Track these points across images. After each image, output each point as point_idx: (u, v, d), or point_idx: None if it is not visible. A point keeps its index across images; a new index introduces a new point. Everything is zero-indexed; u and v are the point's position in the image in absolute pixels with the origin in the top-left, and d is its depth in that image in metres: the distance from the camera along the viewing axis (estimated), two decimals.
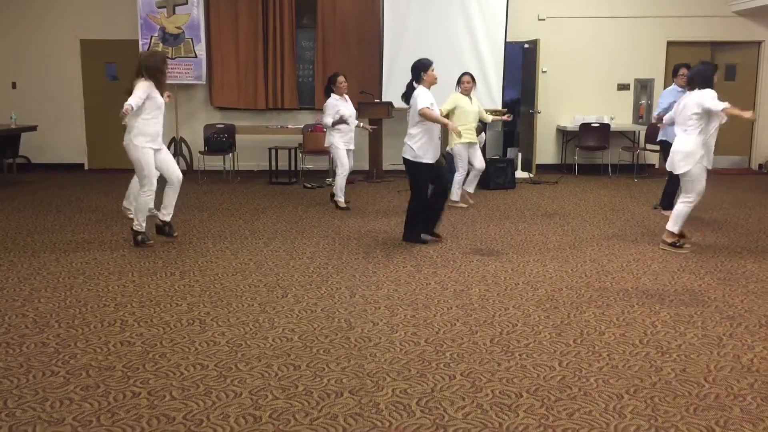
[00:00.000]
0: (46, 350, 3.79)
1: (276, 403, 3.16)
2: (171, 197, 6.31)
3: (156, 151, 6.10)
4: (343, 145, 8.08)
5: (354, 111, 8.34)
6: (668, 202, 7.53)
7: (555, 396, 3.25)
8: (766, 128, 11.74)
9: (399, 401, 3.19)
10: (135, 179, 7.43)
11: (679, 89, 7.60)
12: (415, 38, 10.34)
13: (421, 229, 6.39)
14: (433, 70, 6.19)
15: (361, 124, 8.70)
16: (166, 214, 6.32)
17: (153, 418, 3.02)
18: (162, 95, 6.05)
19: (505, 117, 8.47)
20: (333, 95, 8.09)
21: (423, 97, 6.09)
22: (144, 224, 6.17)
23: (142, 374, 3.48)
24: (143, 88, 5.86)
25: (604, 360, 3.68)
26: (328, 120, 8.01)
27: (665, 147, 7.61)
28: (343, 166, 8.06)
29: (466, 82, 8.05)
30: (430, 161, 6.19)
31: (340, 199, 8.11)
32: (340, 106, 8.05)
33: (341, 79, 8.12)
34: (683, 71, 7.63)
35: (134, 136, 5.96)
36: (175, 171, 6.30)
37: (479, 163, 8.23)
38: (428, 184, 6.26)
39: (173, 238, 6.37)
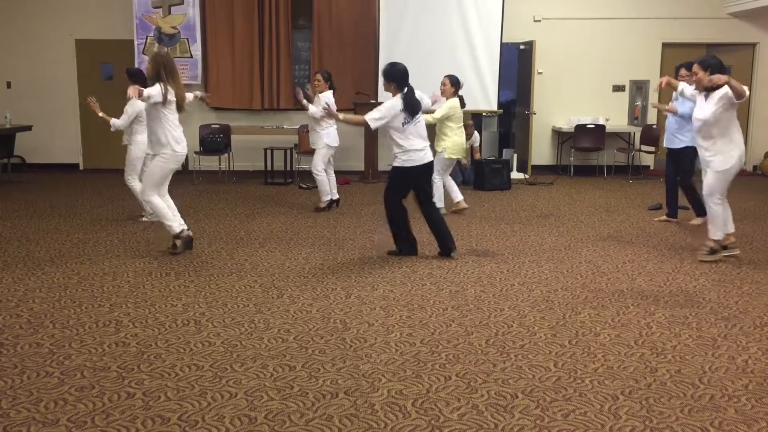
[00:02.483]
0: (40, 351, 3.78)
1: (271, 404, 3.16)
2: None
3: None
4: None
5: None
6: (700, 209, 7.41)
7: (550, 397, 3.25)
8: (761, 130, 11.78)
9: (394, 402, 3.19)
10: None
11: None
12: (410, 39, 10.34)
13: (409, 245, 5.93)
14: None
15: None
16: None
17: (148, 419, 3.01)
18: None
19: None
20: None
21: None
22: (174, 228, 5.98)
23: (137, 375, 3.47)
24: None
25: (599, 361, 3.69)
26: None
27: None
28: None
29: (441, 85, 7.39)
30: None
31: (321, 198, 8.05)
32: None
33: (315, 77, 7.94)
34: (682, 72, 7.18)
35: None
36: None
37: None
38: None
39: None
